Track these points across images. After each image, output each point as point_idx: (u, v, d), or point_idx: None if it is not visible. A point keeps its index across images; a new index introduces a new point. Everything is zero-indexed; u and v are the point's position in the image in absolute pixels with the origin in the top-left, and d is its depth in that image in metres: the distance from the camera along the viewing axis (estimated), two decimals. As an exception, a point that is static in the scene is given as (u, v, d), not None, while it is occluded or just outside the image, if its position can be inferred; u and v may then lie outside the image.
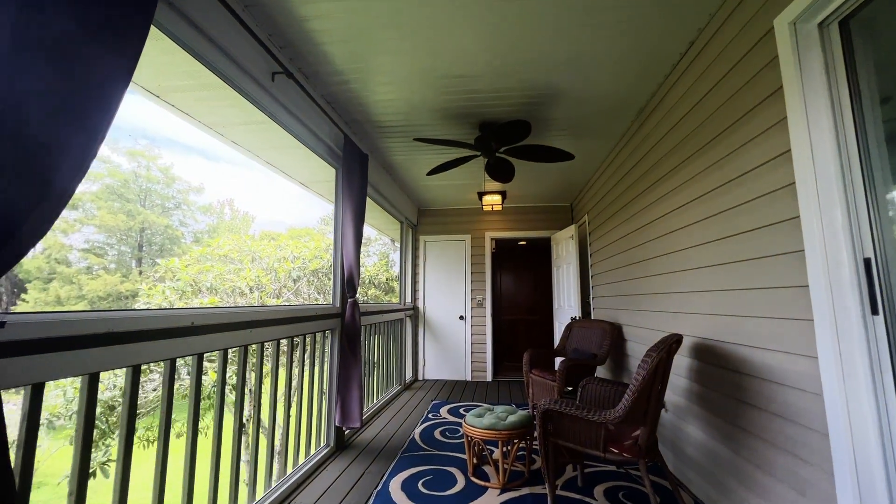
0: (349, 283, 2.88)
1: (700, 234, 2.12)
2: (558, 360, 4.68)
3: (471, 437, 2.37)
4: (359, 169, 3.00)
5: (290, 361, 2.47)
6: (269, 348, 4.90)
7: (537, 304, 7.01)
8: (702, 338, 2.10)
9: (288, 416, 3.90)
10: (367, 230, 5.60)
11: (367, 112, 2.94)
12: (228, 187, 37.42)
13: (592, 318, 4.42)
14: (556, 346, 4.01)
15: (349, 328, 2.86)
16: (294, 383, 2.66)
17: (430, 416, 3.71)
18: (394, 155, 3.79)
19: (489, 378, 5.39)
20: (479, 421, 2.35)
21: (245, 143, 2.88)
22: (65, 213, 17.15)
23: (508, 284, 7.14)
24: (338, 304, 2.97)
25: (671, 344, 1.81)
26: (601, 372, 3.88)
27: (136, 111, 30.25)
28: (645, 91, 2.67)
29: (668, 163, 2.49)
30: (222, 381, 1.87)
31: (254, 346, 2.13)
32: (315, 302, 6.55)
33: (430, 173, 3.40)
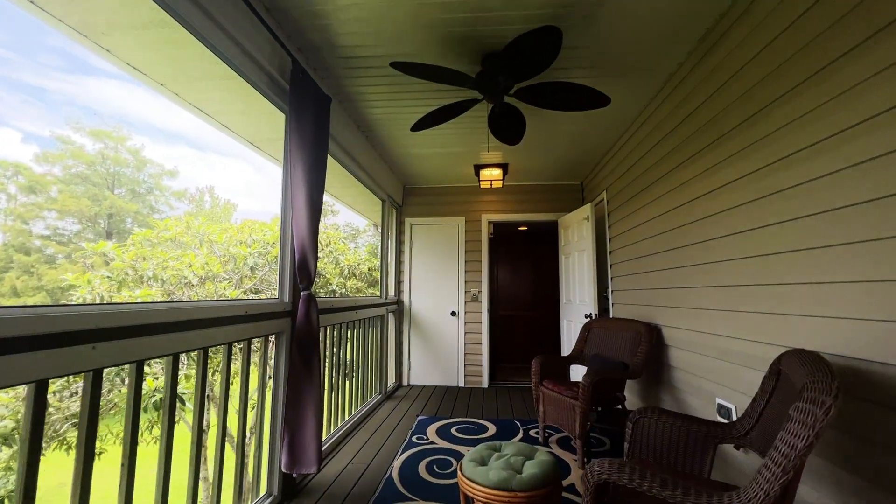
0: (302, 270, 2.06)
1: (829, 194, 1.37)
2: (575, 369, 3.96)
3: (471, 498, 1.60)
4: (315, 112, 2.17)
5: (201, 385, 1.66)
6: (185, 362, 3.97)
7: (538, 298, 6.28)
8: (834, 355, 1.35)
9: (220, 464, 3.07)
10: (354, 218, 4.77)
11: (327, 31, 2.10)
12: (210, 174, 35.87)
13: (611, 315, 3.68)
14: (571, 352, 3.26)
15: (303, 332, 2.05)
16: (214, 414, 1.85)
17: (414, 439, 2.94)
18: (370, 107, 2.96)
19: (485, 384, 4.64)
20: (482, 474, 1.58)
21: (140, 61, 1.99)
22: (22, 197, 15.75)
23: (505, 276, 6.39)
24: (287, 299, 2.15)
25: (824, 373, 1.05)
26: (632, 389, 3.14)
27: (104, 92, 28.51)
28: (713, 9, 1.90)
29: (759, 99, 1.72)
30: (89, 420, 1.07)
31: (158, 359, 1.32)
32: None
33: (415, 127, 2.58)
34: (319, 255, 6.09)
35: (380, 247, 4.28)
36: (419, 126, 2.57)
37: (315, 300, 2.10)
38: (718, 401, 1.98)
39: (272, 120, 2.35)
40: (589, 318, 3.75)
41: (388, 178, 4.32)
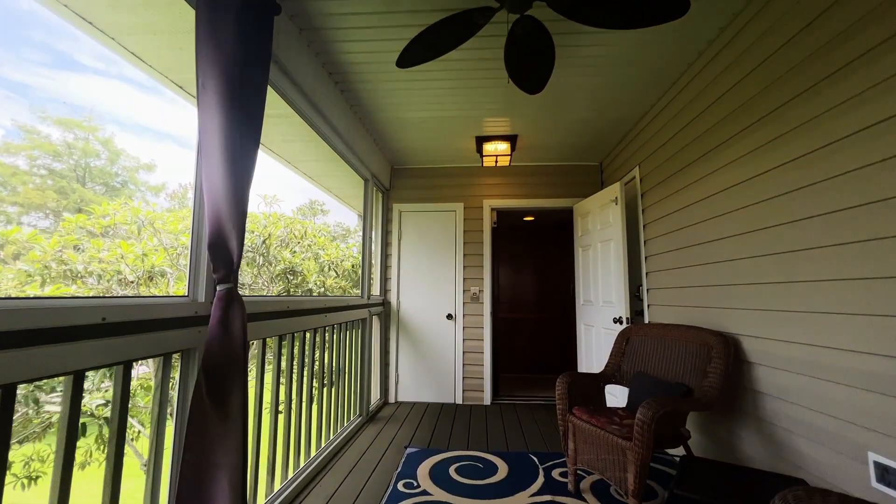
0: (216, 252, 1.30)
1: None
2: (612, 392, 3.23)
3: None
4: (240, 10, 1.41)
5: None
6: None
7: (543, 299, 5.57)
8: None
9: None
10: (346, 218, 3.94)
11: None
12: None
13: (647, 319, 2.97)
14: (604, 368, 2.54)
15: (214, 348, 1.29)
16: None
17: (400, 486, 2.19)
18: (346, 40, 2.21)
19: (487, 400, 3.90)
20: None
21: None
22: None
23: (506, 274, 5.66)
24: (202, 298, 1.39)
25: None
26: (693, 422, 2.42)
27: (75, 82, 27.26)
28: None
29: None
30: None
31: None
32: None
33: (404, 58, 1.84)
34: (295, 248, 5.31)
35: (361, 237, 3.55)
36: (409, 56, 1.82)
37: (239, 300, 1.33)
38: (876, 458, 1.27)
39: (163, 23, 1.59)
40: (618, 323, 3.04)
41: (373, 154, 3.56)
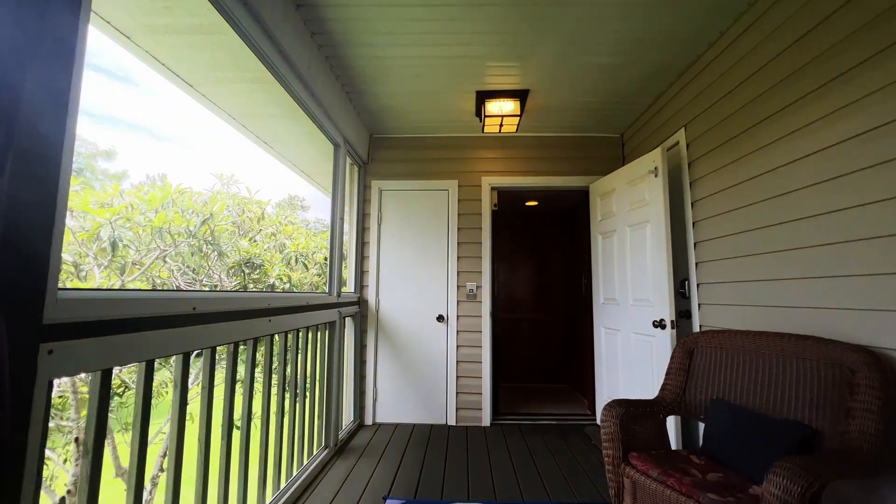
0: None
1: None
2: (675, 426, 2.52)
3: None
4: None
5: None
6: None
7: (546, 296, 4.90)
8: None
9: None
10: (327, 215, 3.13)
11: None
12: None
13: (698, 325, 2.31)
14: (661, 392, 1.85)
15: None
16: None
17: (375, 578, 1.45)
18: None
19: (486, 420, 3.19)
20: None
21: None
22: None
23: (503, 268, 4.96)
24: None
25: None
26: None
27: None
28: None
29: None
30: None
31: None
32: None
33: None
34: (256, 237, 4.48)
35: (330, 219, 2.78)
36: None
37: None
38: None
39: None
40: (659, 327, 2.37)
41: (345, 114, 2.80)
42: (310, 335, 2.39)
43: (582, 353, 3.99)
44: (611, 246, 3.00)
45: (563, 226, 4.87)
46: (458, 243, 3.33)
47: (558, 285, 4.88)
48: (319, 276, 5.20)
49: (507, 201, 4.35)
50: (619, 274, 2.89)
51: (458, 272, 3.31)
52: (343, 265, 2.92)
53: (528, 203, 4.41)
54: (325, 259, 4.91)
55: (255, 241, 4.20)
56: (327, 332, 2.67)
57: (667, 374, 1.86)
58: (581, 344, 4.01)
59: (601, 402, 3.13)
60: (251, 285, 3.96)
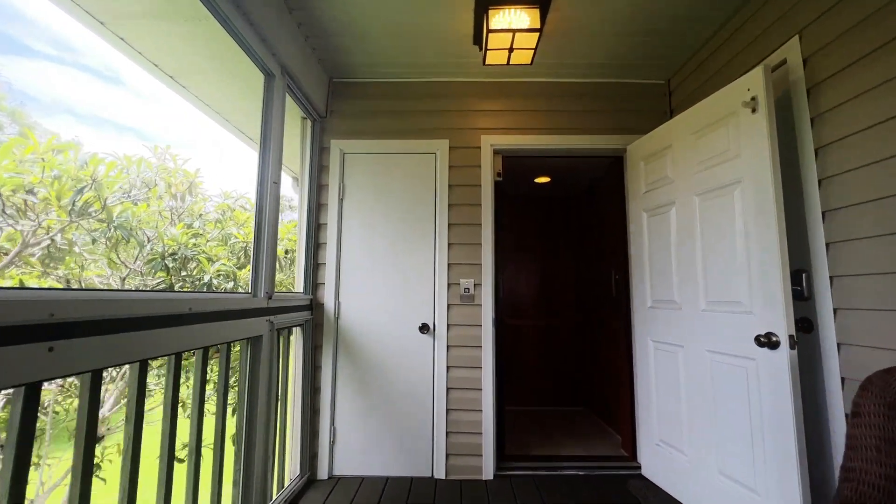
0: None
1: None
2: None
3: None
4: None
5: None
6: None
7: (556, 298, 4.00)
8: None
9: None
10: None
11: None
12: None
13: (835, 337, 1.43)
14: (842, 488, 0.96)
15: None
16: None
17: None
18: None
19: (488, 471, 2.29)
20: None
21: None
22: None
23: (504, 262, 4.06)
24: None
25: None
26: None
27: None
28: None
29: None
30: None
31: None
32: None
33: None
34: (194, 222, 3.51)
35: (257, 183, 1.86)
36: None
37: None
38: None
39: None
40: (769, 346, 1.49)
41: (283, 30, 1.90)
42: (225, 358, 1.47)
43: (609, 370, 3.11)
44: (665, 225, 2.12)
45: (579, 210, 3.99)
46: (448, 225, 2.43)
47: (571, 284, 3.99)
48: (283, 273, 4.26)
49: (511, 177, 3.46)
50: (679, 265, 2.00)
51: (448, 265, 2.40)
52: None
53: (538, 180, 3.51)
54: (286, 253, 3.95)
55: (192, 226, 3.26)
56: (249, 351, 1.74)
57: (851, 448, 0.97)
58: (608, 358, 3.13)
59: (647, 443, 2.24)
60: (184, 284, 3.01)
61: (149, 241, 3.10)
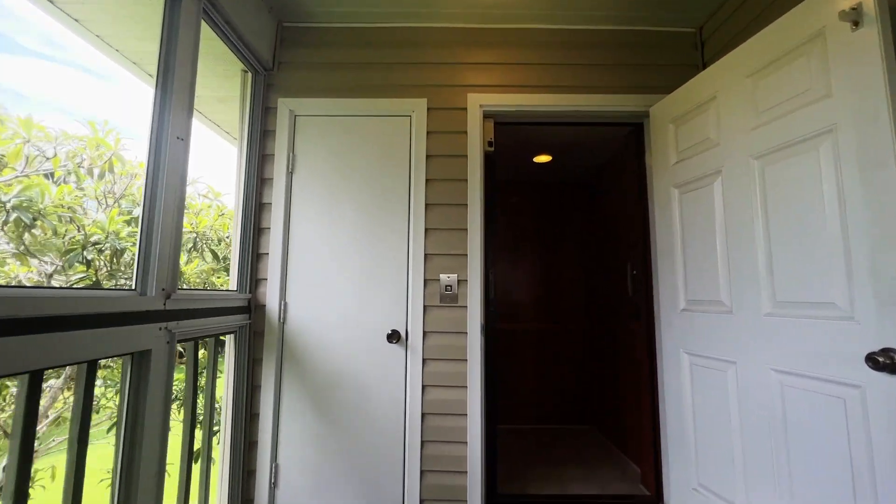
0: None
1: None
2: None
3: None
4: None
5: None
6: None
7: (559, 298, 3.49)
8: None
9: None
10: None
11: None
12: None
13: None
14: None
15: None
16: None
17: None
18: None
19: (475, 522, 1.77)
20: None
21: None
22: None
23: (498, 258, 3.56)
24: None
25: None
26: None
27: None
28: None
29: None
30: None
31: None
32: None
33: None
34: (136, 209, 2.99)
35: (150, 135, 1.36)
36: None
37: None
38: None
39: None
40: (889, 369, 0.98)
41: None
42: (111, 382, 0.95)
43: (623, 385, 2.61)
44: (705, 203, 1.61)
45: (586, 197, 3.50)
46: (426, 206, 1.92)
47: (577, 283, 3.49)
48: (216, 261, 3.58)
49: (506, 157, 2.95)
50: (729, 253, 1.50)
51: (425, 256, 1.89)
52: (172, 240, 1.47)
53: (538, 159, 3.00)
54: (219, 240, 3.31)
55: (124, 210, 2.73)
56: (132, 372, 1.23)
57: None
58: (622, 371, 2.63)
59: (680, 486, 1.73)
60: (105, 281, 2.48)
61: (81, 229, 2.58)
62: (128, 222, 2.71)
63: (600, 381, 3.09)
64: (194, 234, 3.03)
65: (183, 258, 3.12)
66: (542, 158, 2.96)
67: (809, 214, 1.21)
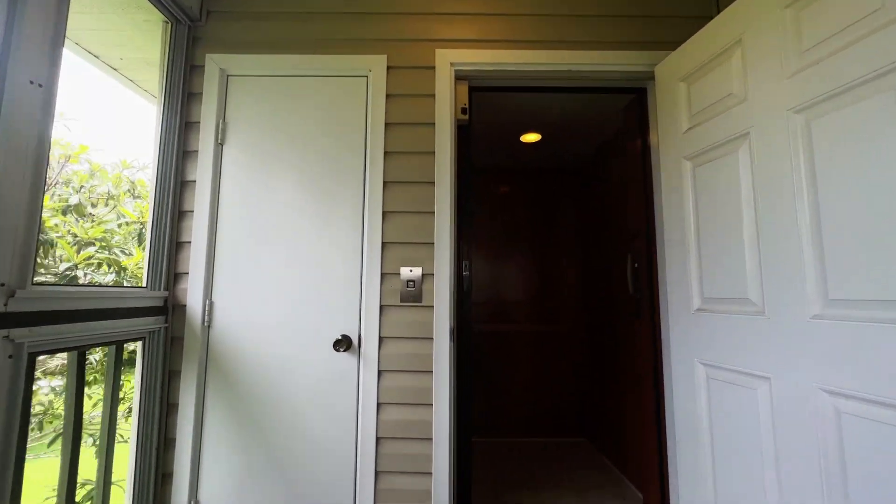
0: None
1: None
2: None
3: None
4: None
5: None
6: None
7: (553, 297, 3.16)
8: None
9: None
10: None
11: None
12: None
13: None
14: None
15: None
16: None
17: None
18: None
19: (441, 573, 1.44)
20: None
21: None
22: None
23: (484, 253, 3.21)
24: None
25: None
26: None
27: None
28: None
29: None
30: None
31: None
32: None
33: None
34: (72, 196, 2.62)
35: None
36: None
37: None
38: None
39: None
40: None
41: None
42: None
43: (622, 395, 2.28)
44: (727, 175, 1.28)
45: (581, 184, 3.17)
46: (384, 184, 1.58)
47: (573, 279, 3.16)
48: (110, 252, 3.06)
49: (489, 133, 2.61)
50: (761, 238, 1.17)
51: (383, 245, 1.56)
52: (146, 231, 1.13)
53: (526, 138, 2.65)
54: (121, 226, 2.88)
55: (65, 199, 2.35)
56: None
57: None
58: (620, 379, 2.30)
59: (696, 529, 1.40)
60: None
61: None
62: (57, 211, 2.36)
63: (599, 388, 2.77)
64: (139, 225, 2.68)
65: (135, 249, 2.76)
66: (531, 137, 2.61)
67: (883, 177, 0.88)
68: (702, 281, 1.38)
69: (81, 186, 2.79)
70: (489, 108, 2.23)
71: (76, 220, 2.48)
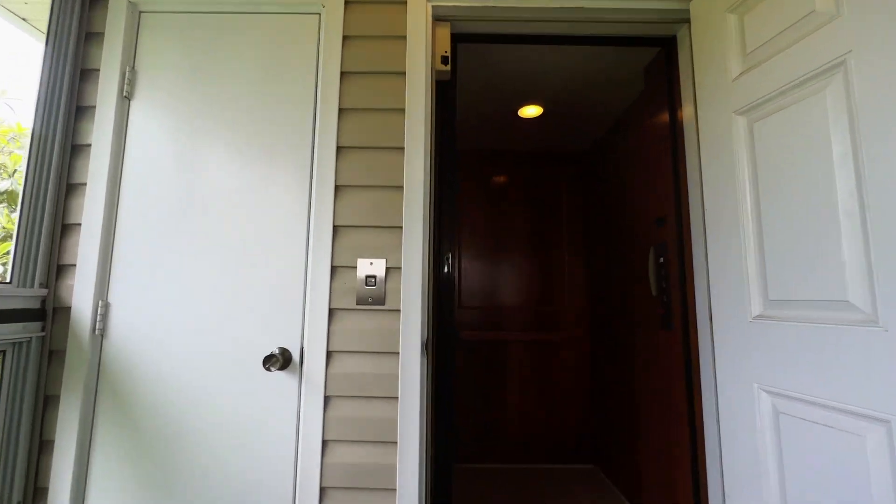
0: None
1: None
2: None
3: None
4: None
5: None
6: None
7: (556, 302, 2.78)
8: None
9: None
10: None
11: None
12: None
13: None
14: None
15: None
16: None
17: None
18: None
19: None
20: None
21: None
22: None
23: (475, 253, 2.83)
24: None
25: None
26: None
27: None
28: None
29: None
30: None
31: None
32: None
33: None
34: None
35: None
36: None
37: None
38: None
39: None
40: None
41: None
42: None
43: (646, 417, 1.89)
44: (805, 128, 0.90)
45: (588, 169, 2.80)
46: (338, 150, 1.21)
47: (580, 280, 2.78)
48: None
49: (480, 105, 2.24)
50: (863, 217, 0.79)
51: (335, 228, 1.18)
52: (18, 212, 0.74)
53: (525, 112, 2.27)
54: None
55: None
56: None
57: None
58: (642, 397, 1.92)
59: None
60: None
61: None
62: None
63: (607, 408, 2.38)
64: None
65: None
66: (531, 111, 2.23)
67: None
68: (765, 277, 1.00)
69: None
70: (481, 69, 1.86)
71: None
